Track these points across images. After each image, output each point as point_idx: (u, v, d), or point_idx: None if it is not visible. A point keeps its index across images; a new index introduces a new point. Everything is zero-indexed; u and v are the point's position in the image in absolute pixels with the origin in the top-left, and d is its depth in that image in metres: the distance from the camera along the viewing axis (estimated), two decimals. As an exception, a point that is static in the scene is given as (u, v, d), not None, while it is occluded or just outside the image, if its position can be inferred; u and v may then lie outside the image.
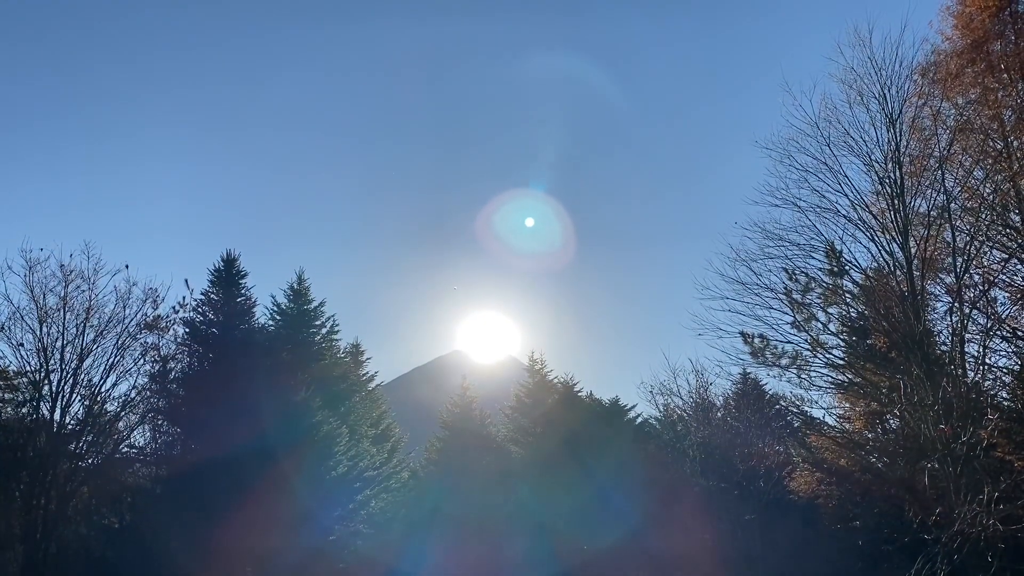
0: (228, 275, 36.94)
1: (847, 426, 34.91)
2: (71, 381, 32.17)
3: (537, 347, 70.85)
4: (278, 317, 39.61)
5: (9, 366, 32.29)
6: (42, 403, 31.86)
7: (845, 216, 30.74)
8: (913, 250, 29.04)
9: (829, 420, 35.24)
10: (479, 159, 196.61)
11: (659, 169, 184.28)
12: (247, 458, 30.05)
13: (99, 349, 32.98)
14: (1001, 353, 28.27)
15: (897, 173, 29.41)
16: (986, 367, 27.43)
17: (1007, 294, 28.22)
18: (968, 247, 27.97)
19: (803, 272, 31.48)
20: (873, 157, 30.08)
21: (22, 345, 31.68)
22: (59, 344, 31.97)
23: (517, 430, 43.98)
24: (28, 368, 32.00)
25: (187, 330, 35.59)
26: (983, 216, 27.83)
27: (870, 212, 30.39)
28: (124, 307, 33.33)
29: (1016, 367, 28.08)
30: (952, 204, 28.32)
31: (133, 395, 34.18)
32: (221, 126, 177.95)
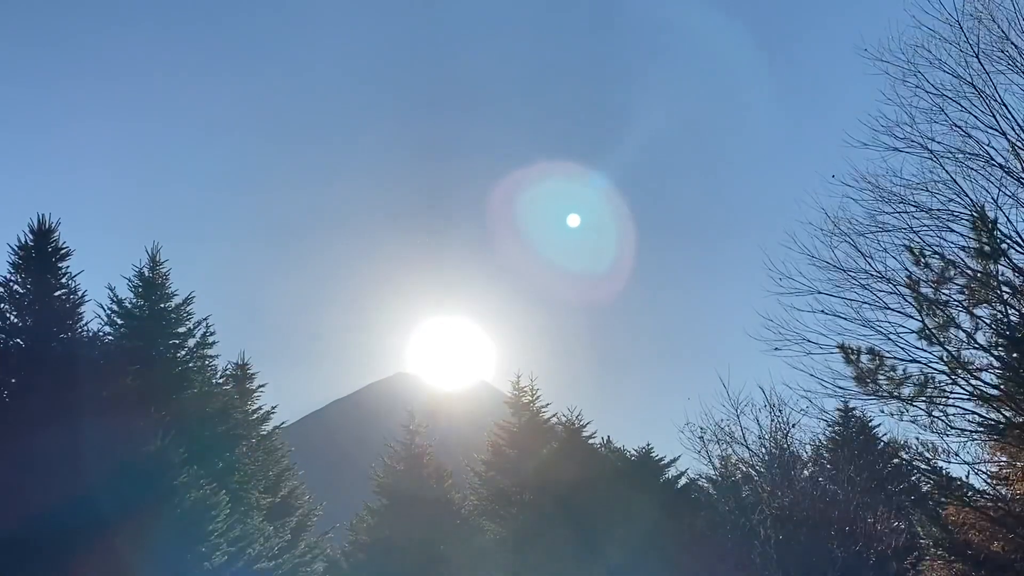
0: (40, 255, 29.16)
1: (1004, 491, 28.91)
2: None
3: (524, 371, 51.01)
4: (119, 321, 31.38)
5: None
6: None
7: (1002, 167, 23.52)
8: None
9: (976, 482, 28.86)
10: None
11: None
12: (68, 536, 24.53)
13: None
14: None
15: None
16: None
17: None
18: None
19: (936, 253, 24.02)
20: (1049, 75, 26.86)
21: None
22: None
23: (493, 497, 36.04)
24: None
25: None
26: None
27: (1043, 160, 27.00)
28: None
29: None
30: None
31: None
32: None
